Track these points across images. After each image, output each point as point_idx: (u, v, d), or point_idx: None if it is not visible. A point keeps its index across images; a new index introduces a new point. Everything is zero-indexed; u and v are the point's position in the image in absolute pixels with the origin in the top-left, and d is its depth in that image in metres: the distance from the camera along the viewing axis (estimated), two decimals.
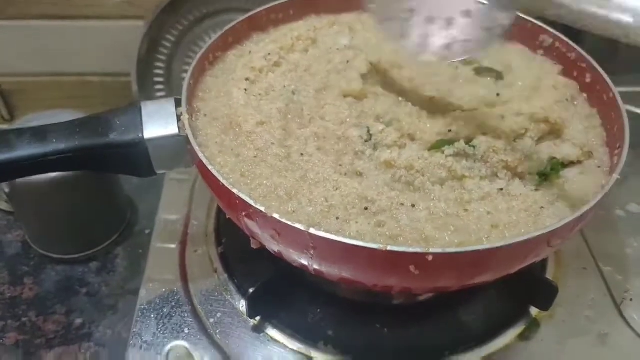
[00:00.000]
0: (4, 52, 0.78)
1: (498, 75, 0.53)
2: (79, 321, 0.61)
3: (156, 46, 0.76)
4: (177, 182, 0.68)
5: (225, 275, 0.57)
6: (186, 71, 0.76)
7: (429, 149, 0.46)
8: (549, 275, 0.58)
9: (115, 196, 0.69)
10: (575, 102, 0.53)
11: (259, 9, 0.59)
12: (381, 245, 0.37)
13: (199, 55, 0.53)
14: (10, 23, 0.76)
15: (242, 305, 0.54)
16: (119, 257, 0.68)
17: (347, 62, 0.52)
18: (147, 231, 0.70)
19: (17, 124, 0.65)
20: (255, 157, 0.46)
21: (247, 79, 0.52)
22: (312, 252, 0.40)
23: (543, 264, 0.58)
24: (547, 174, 0.47)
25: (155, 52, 0.76)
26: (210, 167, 0.42)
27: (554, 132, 0.49)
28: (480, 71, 0.53)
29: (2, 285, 0.64)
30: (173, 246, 0.61)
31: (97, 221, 0.67)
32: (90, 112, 0.64)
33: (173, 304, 0.55)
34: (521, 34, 0.59)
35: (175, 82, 0.78)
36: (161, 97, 0.79)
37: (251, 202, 0.40)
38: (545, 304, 0.53)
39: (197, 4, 0.73)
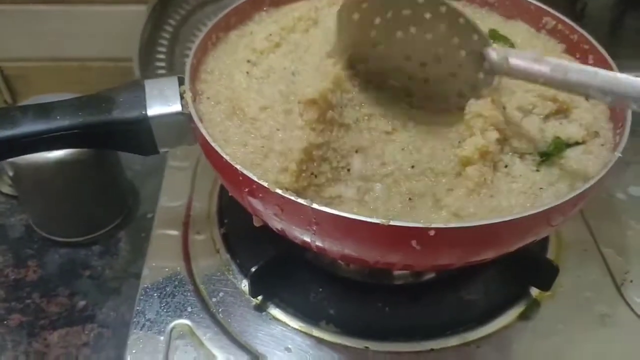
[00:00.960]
0: (7, 37, 0.79)
1: (510, 46, 0.53)
2: (82, 303, 0.62)
3: (158, 31, 0.76)
4: (177, 169, 0.69)
5: (228, 256, 0.58)
6: (188, 56, 0.78)
7: None
8: (550, 256, 0.58)
9: (118, 180, 0.70)
10: None
11: None
12: (383, 220, 0.37)
13: (202, 35, 0.53)
14: (12, 7, 0.76)
15: (244, 284, 0.55)
16: (121, 240, 0.68)
17: None
18: (149, 215, 0.70)
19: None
20: (262, 147, 0.45)
21: (248, 61, 0.52)
22: (314, 227, 0.40)
23: (544, 245, 0.59)
24: (549, 154, 0.47)
25: (157, 37, 0.76)
26: (213, 144, 0.42)
27: (562, 111, 0.49)
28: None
29: (6, 268, 0.65)
30: (175, 232, 0.61)
31: (100, 205, 0.68)
32: None
33: (176, 283, 0.55)
34: (524, 15, 0.59)
35: (177, 68, 0.79)
36: None
37: (254, 178, 0.40)
38: (545, 285, 0.54)
39: None
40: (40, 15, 0.77)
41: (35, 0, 0.76)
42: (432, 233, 0.37)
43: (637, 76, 0.72)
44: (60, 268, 0.65)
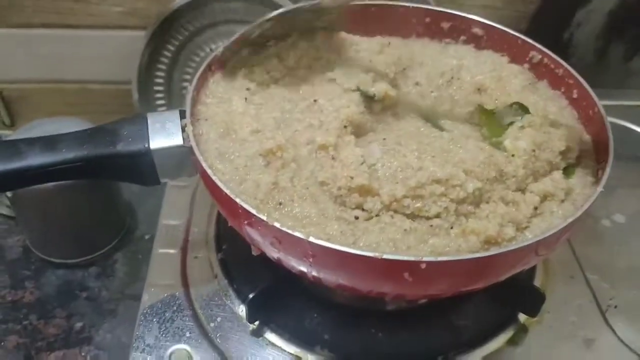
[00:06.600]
0: (7, 60, 0.79)
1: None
2: (79, 325, 0.62)
3: (157, 55, 0.77)
4: (178, 188, 0.70)
5: (225, 281, 0.59)
6: (186, 80, 0.79)
7: None
8: (537, 283, 0.60)
9: (115, 201, 0.71)
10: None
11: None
12: (377, 254, 0.39)
13: (202, 67, 0.54)
14: (13, 31, 0.77)
15: (242, 310, 0.56)
16: (118, 262, 0.69)
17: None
18: (146, 236, 0.71)
19: (20, 130, 0.66)
20: (245, 165, 0.47)
21: (247, 89, 0.53)
22: (310, 259, 0.42)
23: (531, 272, 0.60)
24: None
25: (155, 61, 0.78)
26: (214, 178, 0.44)
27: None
28: None
29: (3, 289, 0.66)
30: (174, 251, 0.62)
31: (97, 226, 0.68)
32: (91, 119, 0.66)
33: (174, 308, 0.56)
34: (510, 49, 0.61)
35: (175, 91, 0.80)
36: (161, 104, 0.80)
37: (253, 212, 0.41)
38: (532, 311, 0.55)
39: (197, 15, 0.75)
40: (41, 39, 0.78)
41: (35, 25, 0.77)
42: (423, 266, 0.39)
43: (621, 105, 0.75)
44: (57, 289, 0.66)
